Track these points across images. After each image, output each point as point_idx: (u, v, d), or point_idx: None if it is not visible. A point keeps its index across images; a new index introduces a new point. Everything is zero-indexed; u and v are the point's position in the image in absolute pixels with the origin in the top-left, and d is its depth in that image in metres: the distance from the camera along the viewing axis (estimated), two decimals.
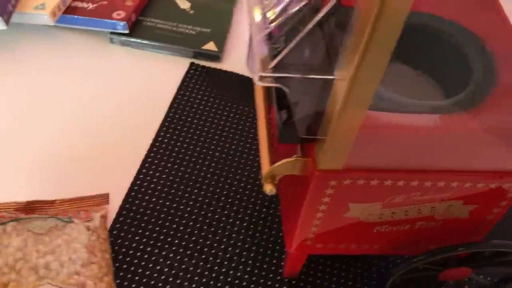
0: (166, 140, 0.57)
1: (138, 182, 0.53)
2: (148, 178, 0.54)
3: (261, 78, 0.29)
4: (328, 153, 0.32)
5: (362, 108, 0.29)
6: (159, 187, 0.53)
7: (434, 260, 0.43)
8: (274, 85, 0.29)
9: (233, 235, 0.51)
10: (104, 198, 0.50)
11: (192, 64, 0.65)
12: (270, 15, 0.33)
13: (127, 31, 0.64)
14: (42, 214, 0.45)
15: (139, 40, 0.64)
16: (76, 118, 0.57)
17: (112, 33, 0.64)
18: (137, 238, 0.49)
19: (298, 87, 0.30)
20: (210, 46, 0.65)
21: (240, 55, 0.67)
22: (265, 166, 0.37)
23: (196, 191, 0.54)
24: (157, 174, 0.54)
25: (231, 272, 0.48)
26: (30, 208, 0.46)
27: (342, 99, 0.29)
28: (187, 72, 0.64)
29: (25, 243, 0.41)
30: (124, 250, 0.48)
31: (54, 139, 0.55)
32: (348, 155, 0.32)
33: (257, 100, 0.39)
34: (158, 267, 0.48)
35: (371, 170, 0.33)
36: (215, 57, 0.65)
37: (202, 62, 0.65)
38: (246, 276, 0.48)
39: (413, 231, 0.39)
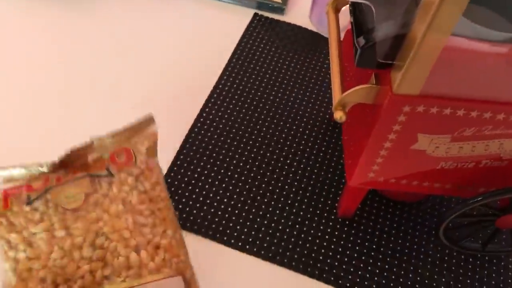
0: (228, 84, 0.59)
1: (199, 123, 0.56)
2: (210, 118, 0.56)
3: None
4: (406, 77, 0.33)
5: (446, 32, 0.30)
6: (220, 126, 0.55)
7: (492, 205, 0.44)
8: (362, 1, 0.30)
9: (290, 175, 0.52)
10: (148, 121, 0.42)
11: (255, 14, 0.66)
12: None
13: None
14: (76, 173, 0.39)
15: None
16: (149, 61, 0.60)
17: None
18: (196, 175, 0.52)
19: (384, 5, 0.31)
20: None
21: (304, 9, 0.68)
22: (337, 95, 0.38)
23: (255, 132, 0.56)
24: (219, 114, 0.56)
25: (286, 208, 0.50)
26: (66, 162, 0.39)
27: (427, 21, 0.30)
28: (251, 22, 0.65)
29: (59, 226, 0.37)
30: (183, 187, 0.51)
31: (125, 82, 0.58)
32: (425, 81, 0.33)
33: (330, 30, 0.41)
34: (218, 202, 0.50)
35: (446, 98, 0.34)
36: (279, 9, 0.66)
37: (266, 14, 0.67)
38: (301, 213, 0.50)
39: (477, 171, 0.40)
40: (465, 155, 0.38)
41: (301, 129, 0.56)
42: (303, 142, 0.55)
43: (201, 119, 0.55)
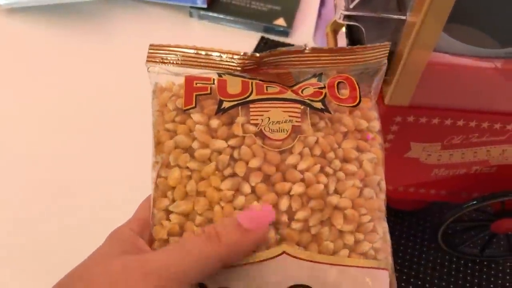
0: None
1: None
2: None
3: (344, 16, 0.33)
4: (395, 89, 0.36)
5: (429, 48, 0.34)
6: None
7: (487, 209, 0.46)
8: (353, 23, 0.34)
9: None
10: (382, 50, 0.31)
11: (262, 38, 0.70)
12: None
13: (205, 6, 0.70)
14: (284, 91, 0.30)
15: (215, 14, 0.71)
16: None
17: (192, 7, 0.71)
18: None
19: (373, 26, 0.35)
20: (280, 21, 0.71)
21: (308, 31, 0.72)
22: None
23: None
24: None
25: None
26: (265, 62, 0.30)
27: (412, 38, 0.33)
28: (258, 45, 0.70)
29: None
30: None
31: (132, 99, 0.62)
32: (413, 93, 0.36)
33: None
34: None
35: (434, 108, 0.37)
36: (284, 32, 0.70)
37: (272, 37, 0.71)
38: None
39: (469, 177, 0.43)
40: (456, 162, 0.41)
41: None
42: None
43: None
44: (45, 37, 0.68)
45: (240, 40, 0.70)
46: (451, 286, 0.50)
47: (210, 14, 0.71)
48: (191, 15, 0.72)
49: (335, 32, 0.48)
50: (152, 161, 0.29)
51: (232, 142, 0.28)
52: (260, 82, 0.30)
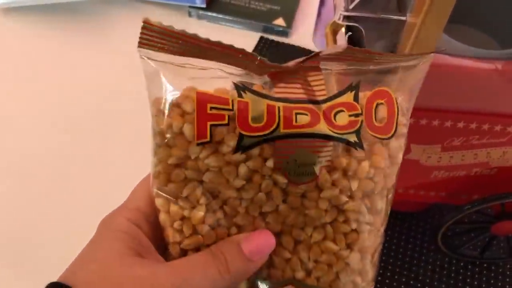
0: None
1: None
2: None
3: (343, 17, 0.33)
4: None
5: (429, 48, 0.33)
6: None
7: (487, 211, 0.46)
8: (352, 24, 0.33)
9: None
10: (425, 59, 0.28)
11: (261, 38, 0.70)
12: None
13: (204, 6, 0.70)
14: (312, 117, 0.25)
15: (214, 14, 0.70)
16: None
17: (190, 7, 0.70)
18: None
19: (373, 27, 0.34)
20: (279, 21, 0.70)
21: (307, 31, 0.72)
22: None
23: None
24: None
25: None
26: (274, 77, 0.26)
27: (412, 39, 0.33)
28: (257, 45, 0.69)
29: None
30: None
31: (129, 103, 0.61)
32: None
33: None
34: None
35: (434, 110, 0.37)
36: (284, 32, 0.70)
37: (271, 37, 0.70)
38: None
39: (469, 179, 0.42)
40: (456, 164, 0.41)
41: None
42: None
43: None
44: (42, 37, 0.68)
45: (239, 40, 0.69)
46: None
47: (209, 13, 0.70)
48: (190, 14, 0.71)
49: (334, 32, 0.47)
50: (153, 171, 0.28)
51: (249, 187, 0.26)
52: (288, 106, 0.25)
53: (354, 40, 0.38)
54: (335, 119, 0.26)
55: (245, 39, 0.70)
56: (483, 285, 0.50)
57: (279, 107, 0.25)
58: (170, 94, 0.26)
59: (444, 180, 0.43)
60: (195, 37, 0.25)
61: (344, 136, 0.26)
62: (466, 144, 0.39)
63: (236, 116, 0.24)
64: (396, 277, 0.50)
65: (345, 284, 0.28)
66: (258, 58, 0.25)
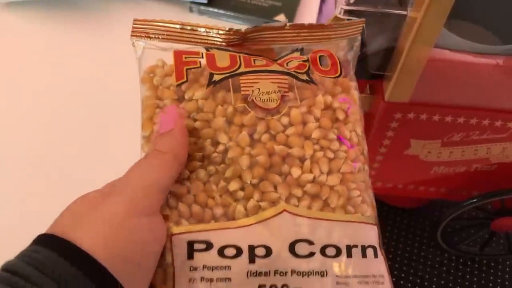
0: None
1: None
2: None
3: (344, 11, 0.33)
4: (396, 86, 0.36)
5: (429, 44, 0.33)
6: None
7: (486, 207, 0.46)
8: (353, 18, 0.33)
9: None
10: (356, 27, 0.33)
11: None
12: None
13: (205, 1, 0.70)
14: (270, 64, 0.31)
15: (216, 10, 0.70)
16: None
17: (192, 2, 0.70)
18: None
19: (373, 22, 0.34)
20: (281, 17, 0.70)
21: None
22: None
23: None
24: None
25: None
26: (249, 38, 0.31)
27: (413, 33, 0.33)
28: None
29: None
30: None
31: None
32: (414, 89, 0.36)
33: None
34: None
35: (434, 105, 0.37)
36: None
37: None
38: None
39: (469, 175, 0.42)
40: (456, 159, 0.41)
41: None
42: None
43: None
44: (43, 31, 0.68)
45: None
46: (450, 285, 0.49)
47: (210, 9, 0.70)
48: (191, 10, 0.71)
49: None
50: (141, 136, 0.30)
51: (224, 113, 0.29)
52: (247, 55, 0.31)
53: None
54: (287, 65, 0.31)
55: None
56: (482, 281, 0.50)
57: (239, 55, 0.30)
58: (155, 64, 0.31)
59: (444, 176, 0.43)
60: (171, 21, 0.30)
61: (296, 74, 0.30)
62: (466, 140, 0.39)
63: (205, 61, 0.30)
64: (395, 272, 0.50)
65: (337, 210, 0.28)
66: (227, 29, 0.31)
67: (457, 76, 0.35)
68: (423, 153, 0.40)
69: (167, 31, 0.30)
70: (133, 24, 0.31)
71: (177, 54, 0.30)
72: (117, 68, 0.63)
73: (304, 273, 0.26)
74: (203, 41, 0.31)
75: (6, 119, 0.58)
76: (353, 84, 0.32)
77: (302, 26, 0.31)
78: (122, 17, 0.70)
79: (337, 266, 0.27)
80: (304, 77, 0.30)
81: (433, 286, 0.49)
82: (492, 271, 0.51)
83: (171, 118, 0.28)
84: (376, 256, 0.28)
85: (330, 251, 0.27)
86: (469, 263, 0.51)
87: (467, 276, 0.50)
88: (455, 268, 0.50)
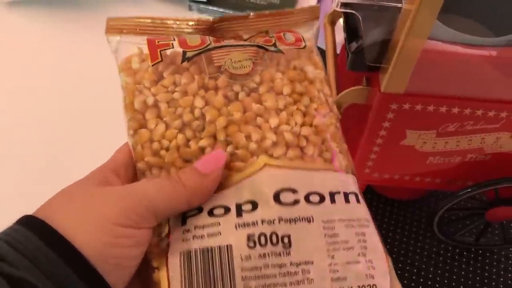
0: None
1: None
2: None
3: (341, 4, 0.34)
4: (391, 77, 0.37)
5: (423, 36, 0.34)
6: None
7: (481, 198, 0.47)
8: (350, 11, 0.35)
9: None
10: (314, 11, 0.36)
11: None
12: None
13: (204, 0, 0.71)
14: (236, 40, 0.33)
15: (215, 8, 0.71)
16: None
17: (191, 1, 0.71)
18: None
19: (370, 15, 0.35)
20: None
21: None
22: (333, 96, 0.42)
23: None
24: None
25: None
26: (216, 28, 0.33)
27: (407, 25, 0.34)
28: None
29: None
30: None
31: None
32: (409, 81, 0.37)
33: (327, 40, 0.45)
34: None
35: (429, 95, 0.38)
36: None
37: None
38: None
39: (464, 165, 0.43)
40: (451, 149, 0.42)
41: None
42: None
43: None
44: (45, 30, 0.69)
45: None
46: (447, 274, 0.50)
47: (210, 8, 0.71)
48: (190, 8, 0.72)
49: (332, 23, 0.48)
50: (125, 121, 0.31)
51: (201, 82, 0.30)
52: (217, 38, 0.32)
53: (350, 29, 0.39)
54: (255, 41, 0.33)
55: None
56: (478, 271, 0.51)
57: (209, 37, 0.32)
58: (131, 54, 0.32)
59: (439, 166, 0.44)
60: (143, 16, 0.32)
61: (266, 46, 0.32)
62: (461, 130, 0.40)
63: (178, 43, 0.31)
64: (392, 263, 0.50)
65: (315, 159, 0.30)
66: (196, 19, 0.32)
67: (451, 67, 0.36)
68: (419, 144, 0.41)
69: (139, 26, 0.32)
70: (107, 22, 0.32)
71: (151, 40, 0.32)
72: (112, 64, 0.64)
73: (291, 220, 0.27)
74: (174, 32, 0.32)
75: (7, 118, 0.59)
76: (317, 56, 0.34)
77: (265, 14, 0.34)
78: (122, 15, 0.71)
79: (322, 212, 0.28)
80: (272, 48, 0.32)
81: (430, 276, 0.50)
82: (487, 261, 0.52)
83: (214, 162, 0.28)
84: (358, 201, 0.30)
85: (314, 198, 0.28)
86: (465, 253, 0.52)
87: (463, 266, 0.51)
88: (451, 258, 0.51)
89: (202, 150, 0.29)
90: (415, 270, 0.50)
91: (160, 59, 0.31)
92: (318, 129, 0.30)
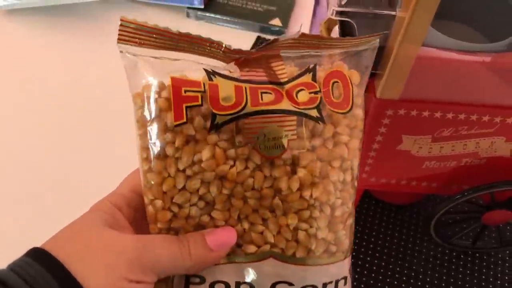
0: None
1: None
2: None
3: (336, 12, 0.35)
4: (386, 83, 0.37)
5: (418, 42, 0.35)
6: None
7: (477, 201, 0.47)
8: (345, 19, 0.35)
9: None
10: (371, 40, 0.32)
11: (258, 37, 0.72)
12: None
13: (202, 6, 0.71)
14: (275, 101, 0.29)
15: (212, 15, 0.72)
16: None
17: (189, 7, 0.72)
18: None
19: (364, 22, 0.36)
20: (276, 21, 0.72)
21: (302, 30, 0.73)
22: None
23: None
24: None
25: None
26: (254, 59, 0.29)
27: (401, 32, 0.34)
28: (254, 45, 0.71)
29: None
30: None
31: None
32: (404, 87, 0.37)
33: None
34: None
35: (424, 101, 0.38)
36: (280, 32, 0.72)
37: (268, 36, 0.72)
38: None
39: (459, 169, 0.44)
40: (446, 154, 0.42)
41: None
42: None
43: None
44: (44, 38, 0.69)
45: (236, 40, 0.71)
46: (444, 278, 0.51)
47: (207, 14, 0.72)
48: (188, 15, 0.73)
49: (328, 30, 0.49)
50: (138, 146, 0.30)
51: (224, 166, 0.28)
52: (254, 86, 0.28)
53: (347, 34, 0.40)
54: (297, 97, 0.29)
55: (242, 39, 0.71)
56: (475, 274, 0.51)
57: (245, 87, 0.28)
58: (149, 84, 0.28)
59: (435, 171, 0.44)
60: (167, 29, 0.28)
61: (306, 111, 0.29)
62: (456, 135, 0.40)
63: (208, 96, 0.27)
64: (390, 266, 0.51)
65: (320, 256, 0.31)
66: (224, 45, 0.28)
67: (445, 73, 0.37)
68: (415, 149, 0.42)
69: (159, 39, 0.28)
70: (120, 26, 0.28)
71: (176, 86, 0.27)
72: (117, 74, 0.64)
73: None
74: (202, 53, 0.28)
75: (6, 125, 0.59)
76: (360, 114, 0.32)
77: (311, 36, 0.30)
78: (119, 22, 0.72)
79: None
80: (315, 113, 0.29)
81: (427, 279, 0.51)
82: (484, 264, 0.52)
83: (224, 241, 0.29)
84: (345, 284, 0.32)
85: None
86: (462, 256, 0.52)
87: (460, 269, 0.51)
88: (448, 262, 0.52)
89: (214, 222, 0.29)
90: (412, 274, 0.51)
91: (185, 120, 0.27)
92: (333, 227, 0.31)
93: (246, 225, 0.30)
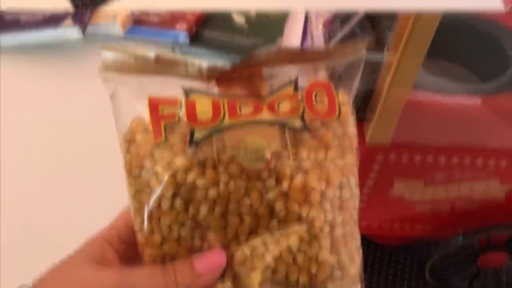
0: None
1: None
2: None
3: None
4: (376, 128, 0.36)
5: (407, 85, 0.34)
6: None
7: (472, 244, 0.46)
8: None
9: None
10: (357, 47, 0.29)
11: None
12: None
13: (187, 42, 0.70)
14: (258, 112, 0.27)
15: (198, 50, 0.71)
16: None
17: (174, 43, 0.71)
18: None
19: None
20: None
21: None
22: None
23: None
24: None
25: None
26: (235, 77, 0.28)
27: (390, 76, 0.33)
28: None
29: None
30: None
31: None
32: (394, 131, 0.36)
33: None
34: None
35: (415, 145, 0.37)
36: None
37: None
38: None
39: (454, 212, 0.42)
40: (440, 198, 0.41)
41: None
42: None
43: None
44: (27, 77, 0.68)
45: None
46: None
47: (193, 49, 0.71)
48: (173, 50, 0.72)
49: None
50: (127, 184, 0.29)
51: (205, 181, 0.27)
52: (232, 100, 0.27)
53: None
54: (278, 107, 0.27)
55: None
56: None
57: (223, 102, 0.27)
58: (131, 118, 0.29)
59: (428, 214, 0.43)
60: (145, 54, 0.28)
61: (289, 121, 0.27)
62: (449, 178, 0.39)
63: (185, 113, 0.27)
64: None
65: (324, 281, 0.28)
66: (201, 64, 0.28)
67: (436, 117, 0.36)
68: (407, 193, 0.40)
69: (141, 64, 0.28)
70: (102, 55, 0.28)
71: (153, 105, 0.27)
72: (105, 112, 0.63)
73: None
74: (182, 76, 0.28)
75: None
76: (351, 124, 0.29)
77: (293, 50, 0.28)
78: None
79: None
80: (298, 123, 0.27)
81: None
82: None
83: (213, 265, 0.27)
84: None
85: None
86: None
87: None
88: None
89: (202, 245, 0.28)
90: None
91: (163, 138, 0.27)
92: (336, 243, 0.28)
93: (237, 251, 0.28)
